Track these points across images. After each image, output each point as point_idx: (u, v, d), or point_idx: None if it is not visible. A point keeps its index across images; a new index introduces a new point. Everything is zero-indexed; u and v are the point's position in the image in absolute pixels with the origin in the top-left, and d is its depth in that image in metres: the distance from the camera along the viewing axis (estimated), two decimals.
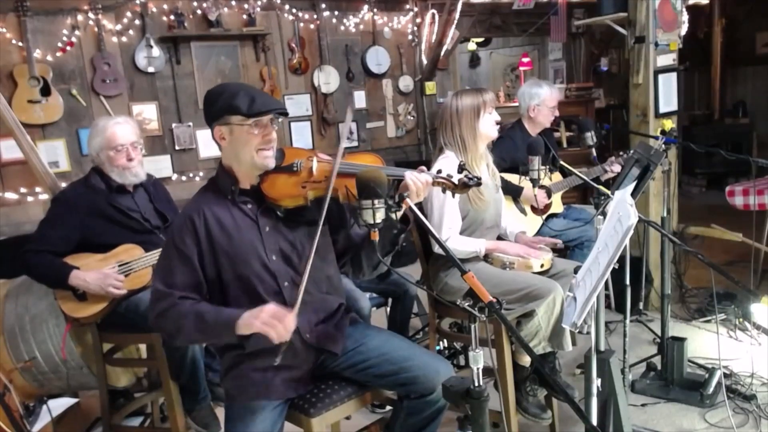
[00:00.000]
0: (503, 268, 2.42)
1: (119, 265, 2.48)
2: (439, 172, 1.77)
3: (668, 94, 3.80)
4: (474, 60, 8.86)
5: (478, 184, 1.75)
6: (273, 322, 1.61)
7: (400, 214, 1.75)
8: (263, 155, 1.79)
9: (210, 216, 1.80)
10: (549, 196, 3.43)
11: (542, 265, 2.41)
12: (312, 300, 1.89)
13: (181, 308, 1.72)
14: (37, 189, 4.25)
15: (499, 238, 2.68)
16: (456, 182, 1.76)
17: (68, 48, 4.44)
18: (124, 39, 4.66)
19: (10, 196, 4.27)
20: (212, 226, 1.80)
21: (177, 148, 4.95)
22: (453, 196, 1.81)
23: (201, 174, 5.04)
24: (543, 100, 3.49)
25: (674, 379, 2.87)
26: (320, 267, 1.91)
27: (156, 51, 4.73)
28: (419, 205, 1.72)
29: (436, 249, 2.43)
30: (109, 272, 2.43)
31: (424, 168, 1.82)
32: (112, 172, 2.58)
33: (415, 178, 1.74)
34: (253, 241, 1.82)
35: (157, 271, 1.83)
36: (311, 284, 1.89)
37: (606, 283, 1.75)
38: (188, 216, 1.81)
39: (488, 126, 2.48)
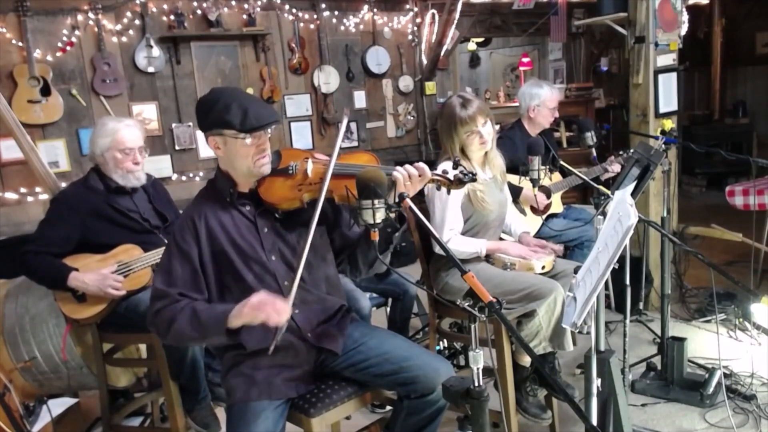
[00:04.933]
0: (504, 269, 2.42)
1: (118, 266, 2.47)
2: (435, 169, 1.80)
3: (668, 94, 3.80)
4: (474, 60, 8.87)
5: (473, 179, 1.78)
6: (261, 305, 1.60)
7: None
8: (259, 164, 1.80)
9: (211, 217, 1.82)
10: (548, 196, 3.43)
11: (543, 267, 2.41)
12: (313, 300, 1.91)
13: (177, 305, 1.73)
14: (37, 189, 4.25)
15: (503, 237, 2.68)
16: (451, 178, 1.79)
17: (68, 48, 4.44)
18: (124, 39, 4.66)
19: (10, 196, 4.27)
20: (213, 227, 1.81)
21: (177, 148, 4.95)
22: (448, 192, 1.83)
23: (201, 174, 5.04)
24: (543, 101, 3.49)
25: (674, 379, 2.86)
26: (320, 266, 1.92)
27: (156, 51, 4.73)
28: (422, 206, 1.74)
29: (437, 249, 2.43)
30: (107, 273, 2.43)
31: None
32: (115, 174, 2.57)
33: (403, 171, 1.76)
34: (252, 241, 1.84)
35: (158, 271, 1.84)
36: (312, 284, 1.90)
37: (606, 283, 1.75)
38: (189, 216, 1.83)
39: (470, 144, 2.42)
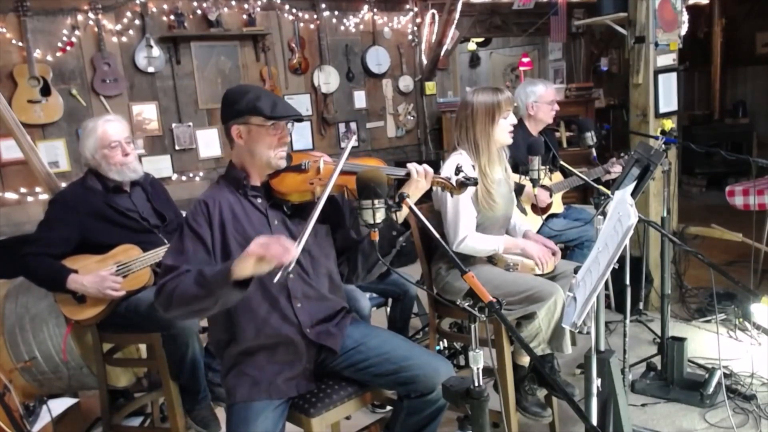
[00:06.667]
0: (507, 269, 2.42)
1: (117, 266, 2.47)
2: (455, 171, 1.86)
3: (668, 94, 3.80)
4: (474, 60, 8.86)
5: (475, 183, 1.83)
6: (266, 245, 1.52)
7: (401, 215, 1.79)
8: (279, 155, 1.86)
9: (224, 203, 1.85)
10: (550, 195, 3.43)
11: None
12: (315, 295, 1.91)
13: (182, 273, 1.69)
14: (37, 189, 4.25)
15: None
16: (454, 183, 1.85)
17: (68, 48, 4.44)
18: (124, 39, 4.66)
19: (10, 196, 4.27)
20: (225, 213, 1.84)
21: (177, 148, 4.95)
22: (452, 195, 1.87)
23: (201, 174, 5.03)
24: (540, 96, 3.49)
25: (674, 379, 2.86)
26: (322, 262, 1.94)
27: (156, 51, 4.73)
28: (423, 205, 1.76)
29: (453, 247, 2.41)
30: (106, 275, 2.42)
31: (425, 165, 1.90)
32: (110, 171, 2.57)
33: (419, 167, 1.86)
34: (262, 232, 1.84)
35: (169, 251, 1.84)
36: (314, 278, 1.90)
37: (606, 283, 1.76)
38: (203, 201, 1.85)
39: (502, 132, 2.46)
